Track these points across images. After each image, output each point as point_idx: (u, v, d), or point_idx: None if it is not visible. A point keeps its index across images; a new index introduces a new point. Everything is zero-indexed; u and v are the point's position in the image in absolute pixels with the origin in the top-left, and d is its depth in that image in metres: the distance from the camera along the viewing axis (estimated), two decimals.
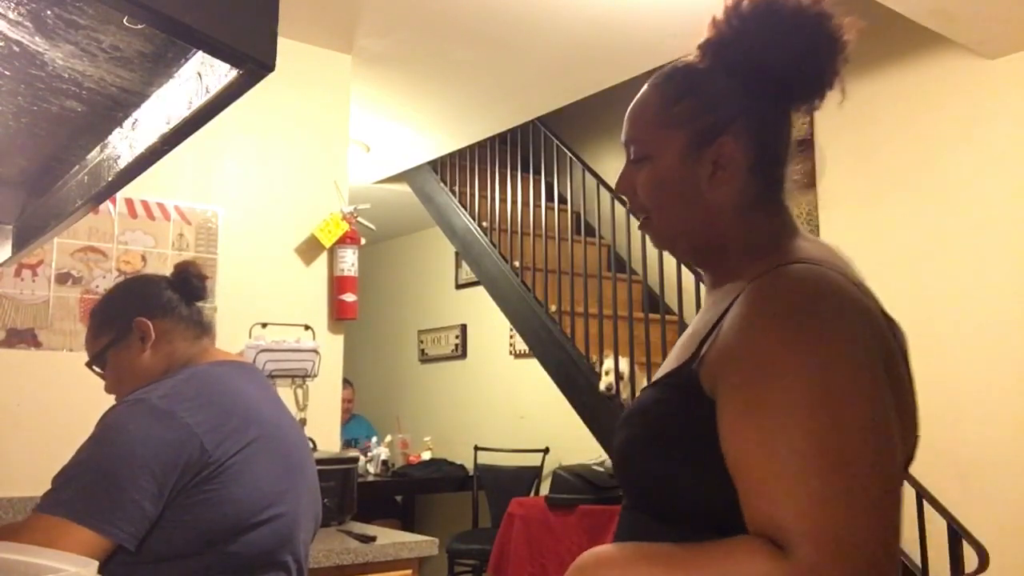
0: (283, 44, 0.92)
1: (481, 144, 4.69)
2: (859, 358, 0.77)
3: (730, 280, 0.91)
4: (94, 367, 1.51)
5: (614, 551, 0.81)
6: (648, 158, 0.94)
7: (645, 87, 0.97)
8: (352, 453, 3.57)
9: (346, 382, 5.37)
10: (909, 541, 3.01)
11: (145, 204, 2.77)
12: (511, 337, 5.54)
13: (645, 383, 3.42)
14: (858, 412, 0.74)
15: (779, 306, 0.79)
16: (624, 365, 3.55)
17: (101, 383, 1.54)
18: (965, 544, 2.77)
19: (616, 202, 3.92)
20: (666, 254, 3.54)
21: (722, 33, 0.91)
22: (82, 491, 1.22)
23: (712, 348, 0.82)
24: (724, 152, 0.91)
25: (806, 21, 0.90)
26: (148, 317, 1.45)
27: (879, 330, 0.84)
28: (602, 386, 3.56)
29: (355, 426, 5.49)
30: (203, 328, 1.53)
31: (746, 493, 0.75)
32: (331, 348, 3.08)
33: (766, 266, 0.86)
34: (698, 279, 3.41)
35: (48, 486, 1.27)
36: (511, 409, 5.53)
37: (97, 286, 2.65)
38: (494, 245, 4.46)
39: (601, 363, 3.64)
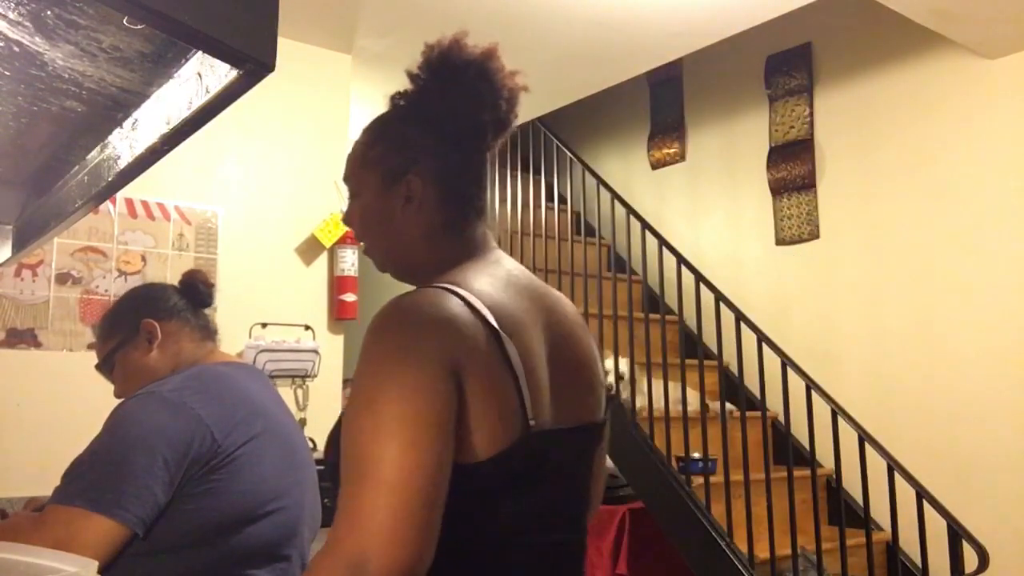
0: (283, 44, 0.92)
1: None
2: (407, 374, 0.87)
3: None
4: (103, 370, 1.55)
5: None
6: (357, 195, 1.10)
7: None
8: None
9: (349, 381, 5.37)
10: (909, 541, 3.01)
11: (145, 204, 2.77)
12: None
13: (645, 383, 3.42)
14: (388, 418, 0.85)
15: (373, 328, 0.91)
16: (624, 365, 3.55)
17: (101, 381, 1.57)
18: (965, 544, 2.77)
19: (616, 202, 3.92)
20: (666, 254, 3.54)
21: (414, 86, 1.07)
22: (97, 480, 1.24)
23: None
24: (412, 187, 1.05)
25: (469, 75, 1.03)
26: (155, 319, 1.49)
27: (454, 339, 0.90)
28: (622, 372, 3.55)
29: None
30: (209, 333, 1.57)
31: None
32: (331, 348, 3.08)
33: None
34: (698, 279, 3.42)
35: (48, 485, 1.28)
36: None
37: (97, 286, 2.65)
38: None
39: (602, 362, 3.63)
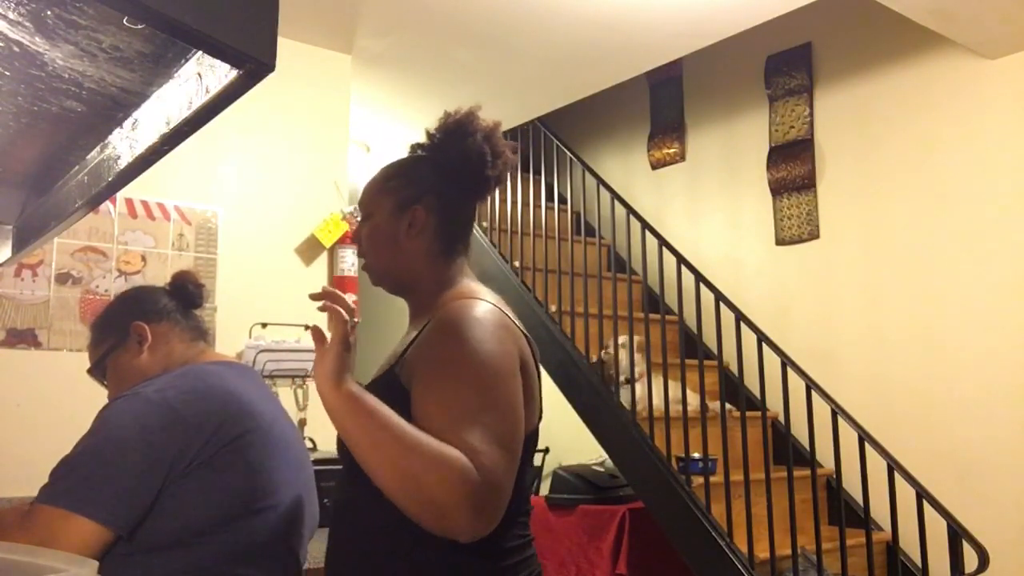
0: (283, 44, 0.92)
1: None
2: (506, 358, 1.16)
3: (426, 313, 1.27)
4: (95, 375, 1.56)
5: (369, 398, 1.09)
6: (369, 216, 1.34)
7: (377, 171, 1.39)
8: None
9: None
10: (909, 541, 3.01)
11: (145, 204, 2.77)
12: None
13: (645, 383, 3.42)
14: (506, 394, 1.13)
15: (449, 325, 1.17)
16: (640, 362, 3.55)
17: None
18: (965, 544, 2.77)
19: (616, 202, 3.93)
20: (666, 254, 3.54)
21: (431, 140, 1.35)
22: (80, 481, 1.25)
23: (409, 356, 1.20)
24: (417, 216, 1.30)
25: (478, 138, 1.29)
26: (145, 322, 1.50)
27: (516, 341, 1.21)
28: (601, 356, 3.58)
29: None
30: (200, 333, 1.58)
31: (436, 428, 1.06)
32: None
33: (443, 301, 1.24)
34: (698, 279, 3.42)
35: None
36: None
37: (97, 286, 2.65)
38: (494, 245, 4.46)
39: (616, 342, 3.64)
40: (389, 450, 1.04)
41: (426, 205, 1.30)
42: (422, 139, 1.38)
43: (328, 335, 1.10)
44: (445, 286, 1.29)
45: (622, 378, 3.54)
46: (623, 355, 3.58)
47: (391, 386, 1.17)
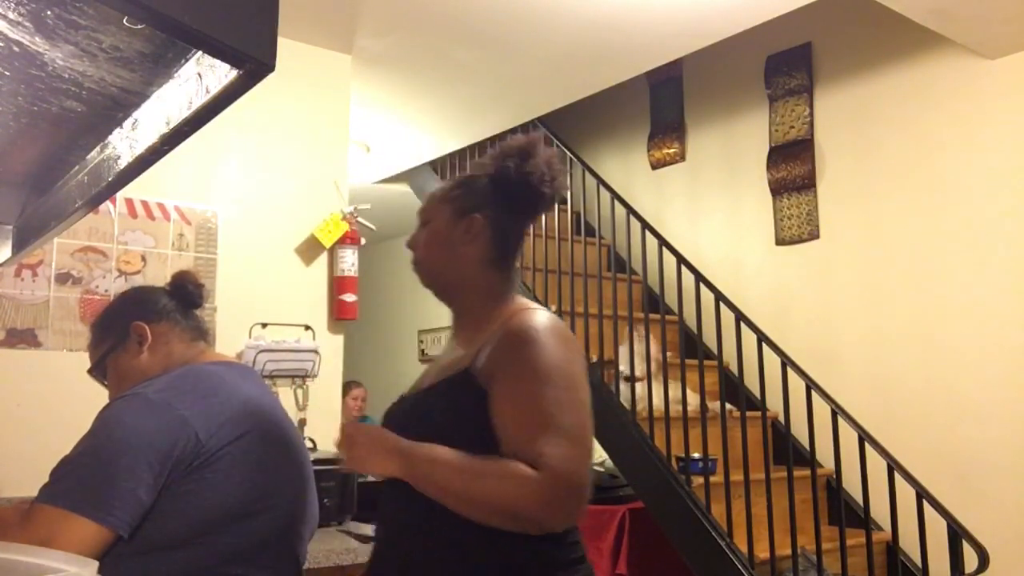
0: (283, 44, 0.92)
1: (481, 144, 4.69)
2: (577, 363, 1.28)
3: (473, 326, 1.38)
4: (96, 375, 1.56)
5: (424, 445, 1.23)
6: (428, 222, 1.45)
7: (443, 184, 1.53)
8: None
9: (357, 383, 5.36)
10: (909, 541, 3.01)
11: (145, 204, 2.77)
12: None
13: (645, 383, 3.42)
14: (581, 396, 1.25)
15: (531, 332, 1.27)
16: (655, 349, 3.54)
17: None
18: (965, 544, 2.77)
19: (616, 202, 3.93)
20: (666, 254, 3.54)
21: (494, 162, 1.44)
22: (80, 481, 1.25)
23: (485, 360, 1.27)
24: (474, 224, 1.40)
25: (530, 163, 1.39)
26: (145, 322, 1.50)
27: (579, 349, 1.34)
28: (636, 372, 3.53)
29: None
30: (200, 333, 1.58)
31: (512, 435, 1.21)
32: (331, 348, 3.08)
33: (509, 311, 1.34)
34: (698, 279, 3.42)
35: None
36: None
37: (97, 286, 2.65)
38: None
39: (630, 349, 3.62)
40: (452, 481, 1.20)
41: (484, 215, 1.41)
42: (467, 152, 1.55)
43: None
44: (496, 298, 1.40)
45: (624, 373, 3.53)
46: (632, 352, 3.57)
47: (466, 385, 1.28)
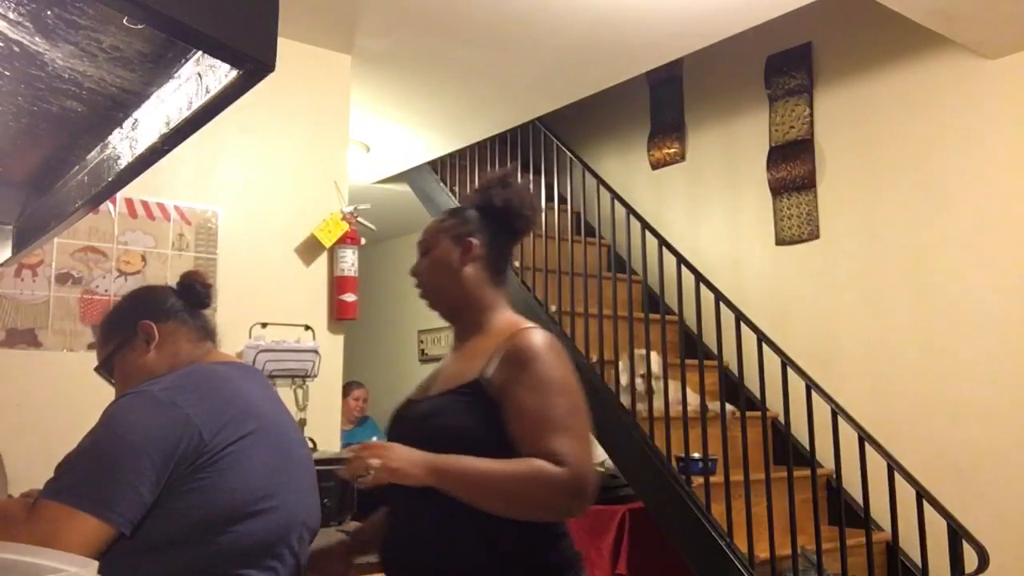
0: (283, 44, 0.92)
1: (481, 144, 4.69)
2: (572, 374, 1.48)
3: (475, 336, 1.56)
4: (103, 373, 1.56)
5: (450, 457, 1.38)
6: (428, 251, 1.62)
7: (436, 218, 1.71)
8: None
9: (358, 384, 5.35)
10: (909, 542, 3.01)
11: (145, 204, 2.77)
12: None
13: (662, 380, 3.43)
14: (580, 401, 1.46)
15: (535, 350, 1.46)
16: (656, 364, 3.54)
17: (101, 381, 1.58)
18: (965, 544, 2.77)
19: (616, 202, 3.92)
20: (666, 254, 3.54)
21: (478, 194, 1.66)
22: (84, 478, 1.25)
23: (494, 372, 1.45)
24: (471, 247, 1.59)
25: (508, 192, 1.61)
26: (152, 321, 1.51)
27: (570, 362, 1.50)
28: (640, 386, 3.52)
29: (365, 429, 5.46)
30: (207, 333, 1.58)
31: (531, 437, 1.38)
32: (331, 348, 3.08)
33: (508, 327, 1.53)
34: (698, 279, 3.42)
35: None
36: None
37: (97, 286, 2.65)
38: None
39: (634, 361, 3.61)
40: (490, 486, 1.37)
41: (478, 239, 1.59)
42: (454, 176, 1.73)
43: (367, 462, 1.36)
44: (492, 310, 1.58)
45: (624, 385, 3.53)
46: (632, 362, 3.56)
47: (476, 394, 1.45)
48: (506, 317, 1.59)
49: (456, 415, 1.46)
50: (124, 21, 0.72)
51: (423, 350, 6.51)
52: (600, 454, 3.84)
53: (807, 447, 3.21)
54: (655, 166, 4.88)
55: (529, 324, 1.54)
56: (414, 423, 1.50)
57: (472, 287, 1.59)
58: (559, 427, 1.39)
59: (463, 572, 1.43)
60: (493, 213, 1.62)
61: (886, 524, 3.06)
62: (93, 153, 1.05)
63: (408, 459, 1.38)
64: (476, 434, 1.42)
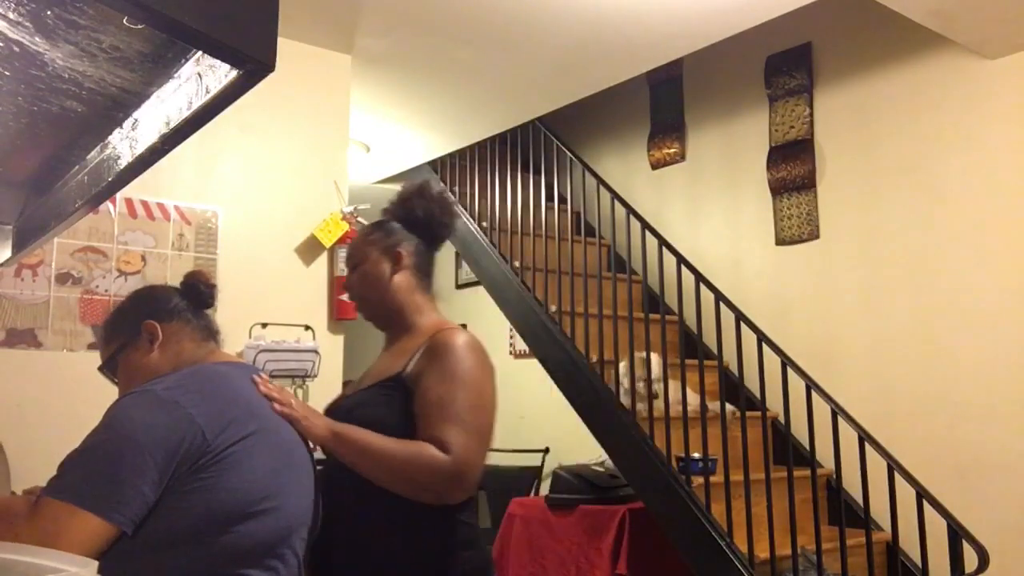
0: (283, 44, 0.92)
1: (481, 144, 4.69)
2: (486, 374, 1.60)
3: (404, 338, 1.68)
4: (107, 372, 1.57)
5: (350, 426, 1.53)
6: (357, 265, 1.73)
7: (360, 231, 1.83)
8: None
9: None
10: (909, 542, 3.01)
11: (145, 204, 2.77)
12: (511, 337, 5.54)
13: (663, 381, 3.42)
14: (487, 400, 1.57)
15: (452, 345, 1.57)
16: (656, 365, 3.53)
17: (101, 381, 1.58)
18: (965, 544, 2.77)
19: (616, 202, 3.92)
20: (666, 254, 3.54)
21: (398, 206, 1.77)
22: (86, 476, 1.25)
23: (413, 366, 1.57)
24: (399, 257, 1.71)
25: (428, 204, 1.74)
26: (156, 320, 1.51)
27: (489, 360, 1.63)
28: (642, 390, 3.51)
29: None
30: (210, 333, 1.59)
31: (428, 423, 1.50)
32: (331, 348, 3.08)
33: (433, 327, 1.64)
34: (698, 279, 3.42)
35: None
36: (511, 409, 5.52)
37: (97, 286, 2.65)
38: (494, 245, 4.46)
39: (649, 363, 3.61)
40: (378, 458, 1.49)
41: (404, 249, 1.71)
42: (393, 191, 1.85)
43: (291, 408, 1.47)
44: (421, 314, 1.70)
45: (624, 388, 3.53)
46: (633, 368, 3.57)
47: (397, 387, 1.57)
48: (433, 319, 1.70)
49: (376, 407, 1.57)
50: (124, 21, 0.72)
51: None
52: (601, 454, 3.85)
53: (807, 447, 3.21)
54: (655, 166, 4.88)
55: (454, 325, 1.66)
56: (341, 415, 1.60)
57: (404, 294, 1.70)
58: (454, 418, 1.49)
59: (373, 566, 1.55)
60: (416, 223, 1.73)
61: (886, 524, 3.06)
62: (93, 153, 1.06)
63: (314, 415, 1.52)
64: (391, 423, 1.53)
